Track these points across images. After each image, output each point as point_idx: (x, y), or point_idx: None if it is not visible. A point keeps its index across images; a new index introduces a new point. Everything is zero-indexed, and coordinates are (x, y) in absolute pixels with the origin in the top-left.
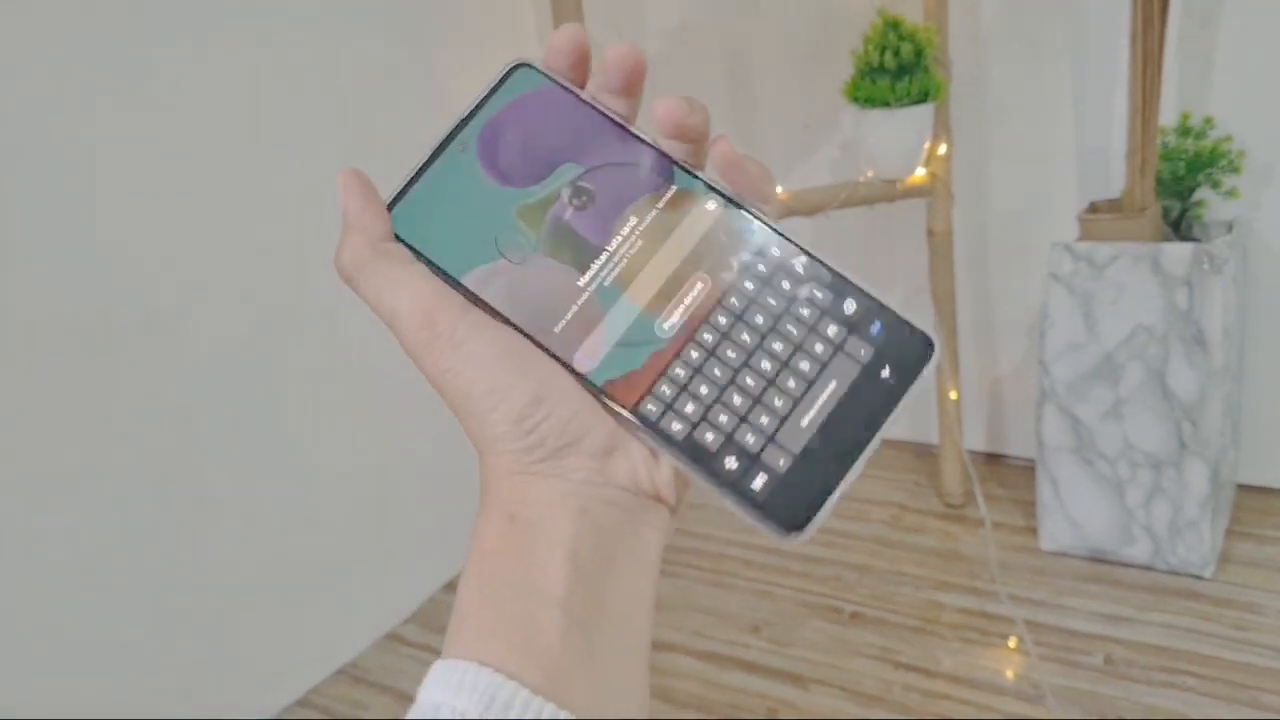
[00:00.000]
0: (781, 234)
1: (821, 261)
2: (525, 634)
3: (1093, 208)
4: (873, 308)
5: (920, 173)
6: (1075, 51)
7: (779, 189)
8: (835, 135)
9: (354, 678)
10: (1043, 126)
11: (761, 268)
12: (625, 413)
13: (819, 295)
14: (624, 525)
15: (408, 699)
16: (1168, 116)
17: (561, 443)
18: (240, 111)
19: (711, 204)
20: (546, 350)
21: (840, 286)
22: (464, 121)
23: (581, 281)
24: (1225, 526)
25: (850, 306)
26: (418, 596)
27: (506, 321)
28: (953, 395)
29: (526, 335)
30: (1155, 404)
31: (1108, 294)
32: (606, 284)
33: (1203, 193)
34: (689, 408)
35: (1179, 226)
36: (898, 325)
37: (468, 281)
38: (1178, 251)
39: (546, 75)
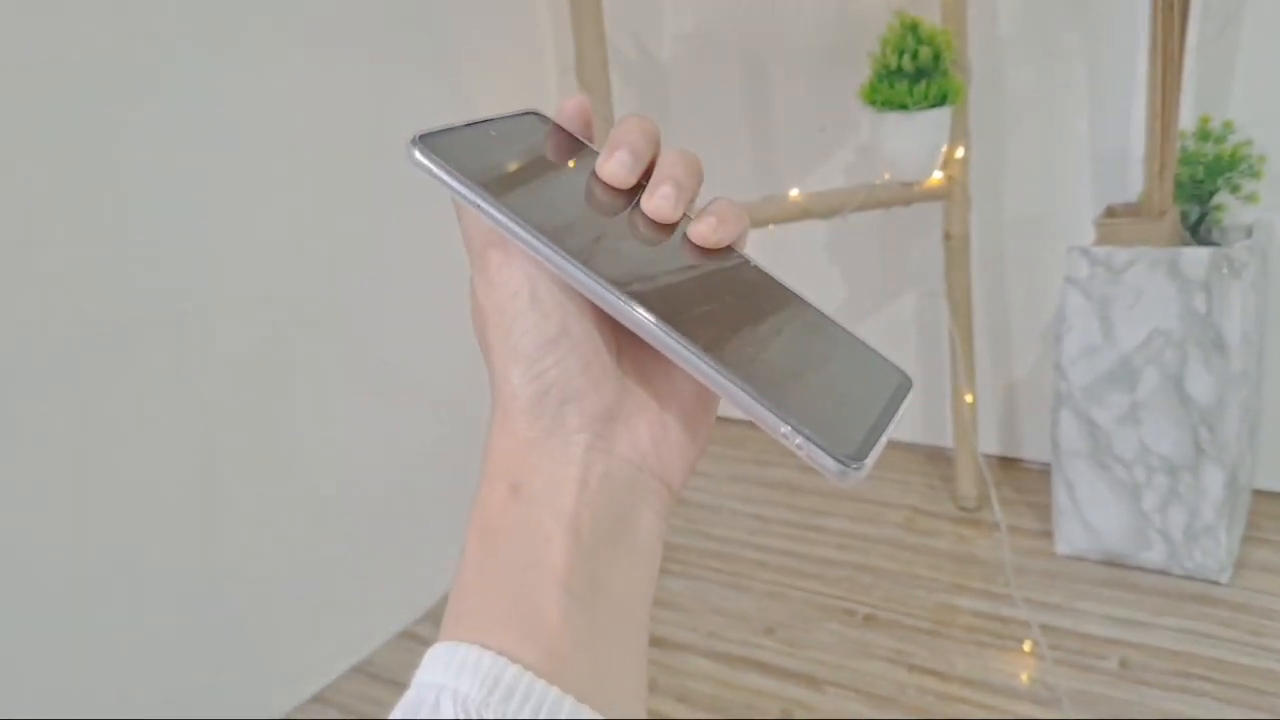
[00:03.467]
0: (766, 272)
1: (804, 301)
2: (527, 613)
3: (1110, 211)
4: (851, 344)
5: (937, 176)
6: (1093, 54)
7: (794, 191)
8: (852, 138)
9: (369, 675)
10: (1060, 129)
11: (750, 299)
12: (676, 339)
13: (800, 327)
14: (622, 501)
15: None
16: (1186, 120)
17: (566, 395)
18: (262, 115)
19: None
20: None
21: (819, 321)
22: (487, 120)
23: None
24: (1241, 532)
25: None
26: (433, 595)
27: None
28: (968, 398)
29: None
30: (1172, 409)
31: (1125, 298)
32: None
33: (1222, 197)
34: (738, 337)
35: (1197, 231)
36: (875, 363)
37: (511, 212)
38: (1196, 256)
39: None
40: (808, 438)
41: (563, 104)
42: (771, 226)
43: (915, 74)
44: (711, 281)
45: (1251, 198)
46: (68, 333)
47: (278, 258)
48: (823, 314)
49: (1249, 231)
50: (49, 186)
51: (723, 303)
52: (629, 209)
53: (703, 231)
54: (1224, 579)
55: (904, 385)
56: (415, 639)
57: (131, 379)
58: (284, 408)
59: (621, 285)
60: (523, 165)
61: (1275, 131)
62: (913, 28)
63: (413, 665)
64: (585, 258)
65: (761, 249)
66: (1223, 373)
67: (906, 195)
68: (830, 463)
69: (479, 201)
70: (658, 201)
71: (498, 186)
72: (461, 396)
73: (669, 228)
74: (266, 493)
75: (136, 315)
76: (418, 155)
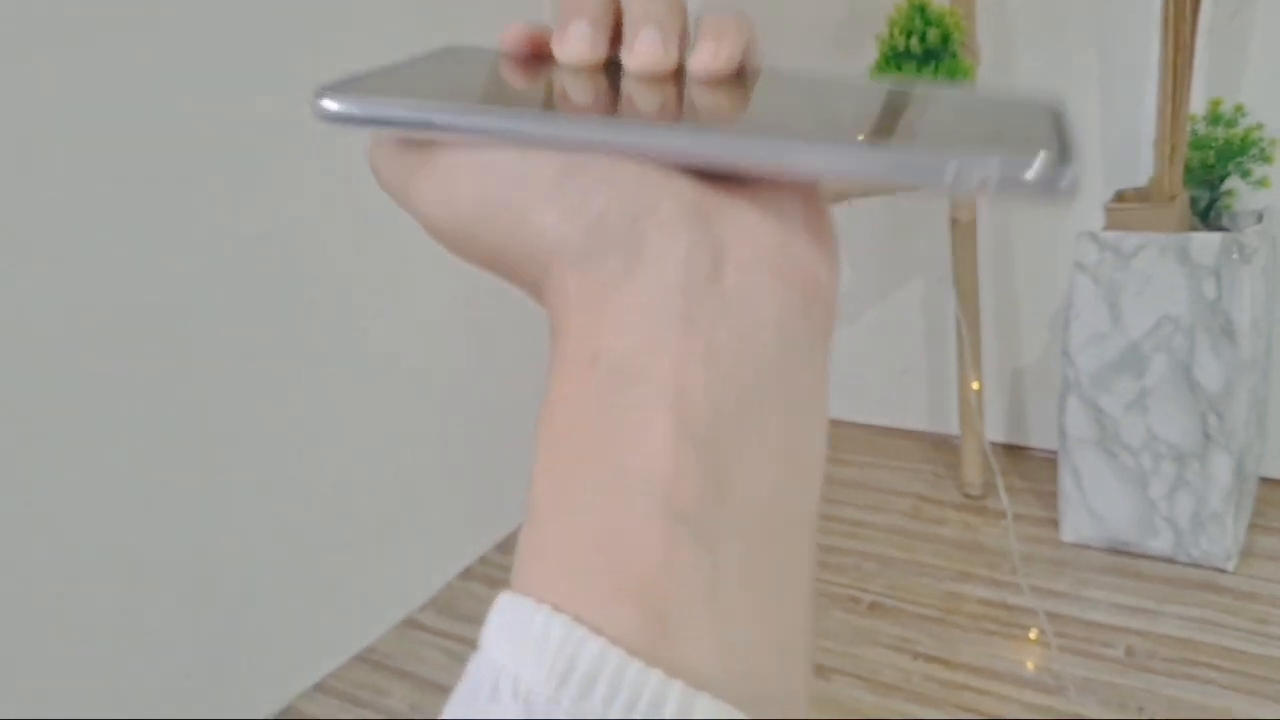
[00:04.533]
0: (811, 69)
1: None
2: (618, 549)
3: (1120, 196)
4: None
5: None
6: (1104, 37)
7: None
8: None
9: (372, 663)
10: (1070, 113)
11: (819, 90)
12: (760, 138)
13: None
14: (757, 345)
15: (427, 684)
16: (1197, 104)
17: (631, 211)
18: (248, 93)
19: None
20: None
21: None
22: (400, 63)
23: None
24: (1248, 520)
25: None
26: (436, 582)
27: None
28: (975, 385)
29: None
30: (1180, 396)
31: (1134, 284)
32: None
33: (1232, 182)
34: (831, 115)
35: (1207, 216)
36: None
37: (454, 109)
38: (1206, 241)
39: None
40: (993, 159)
41: (501, 37)
42: None
43: (923, 56)
44: (756, 94)
45: (1262, 182)
46: (59, 321)
47: (274, 243)
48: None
49: (1259, 217)
50: (37, 172)
51: (786, 100)
52: (612, 93)
53: (704, 59)
54: (1230, 567)
55: (1057, 105)
56: (418, 627)
57: (125, 367)
58: (282, 395)
59: (652, 121)
60: (467, 81)
61: None
62: (921, 9)
63: (416, 654)
64: (599, 117)
65: None
66: (1232, 360)
67: None
68: (1039, 169)
69: (427, 115)
70: (642, 48)
71: (445, 96)
72: (464, 382)
73: (670, 85)
74: (266, 481)
75: (129, 302)
76: (327, 104)
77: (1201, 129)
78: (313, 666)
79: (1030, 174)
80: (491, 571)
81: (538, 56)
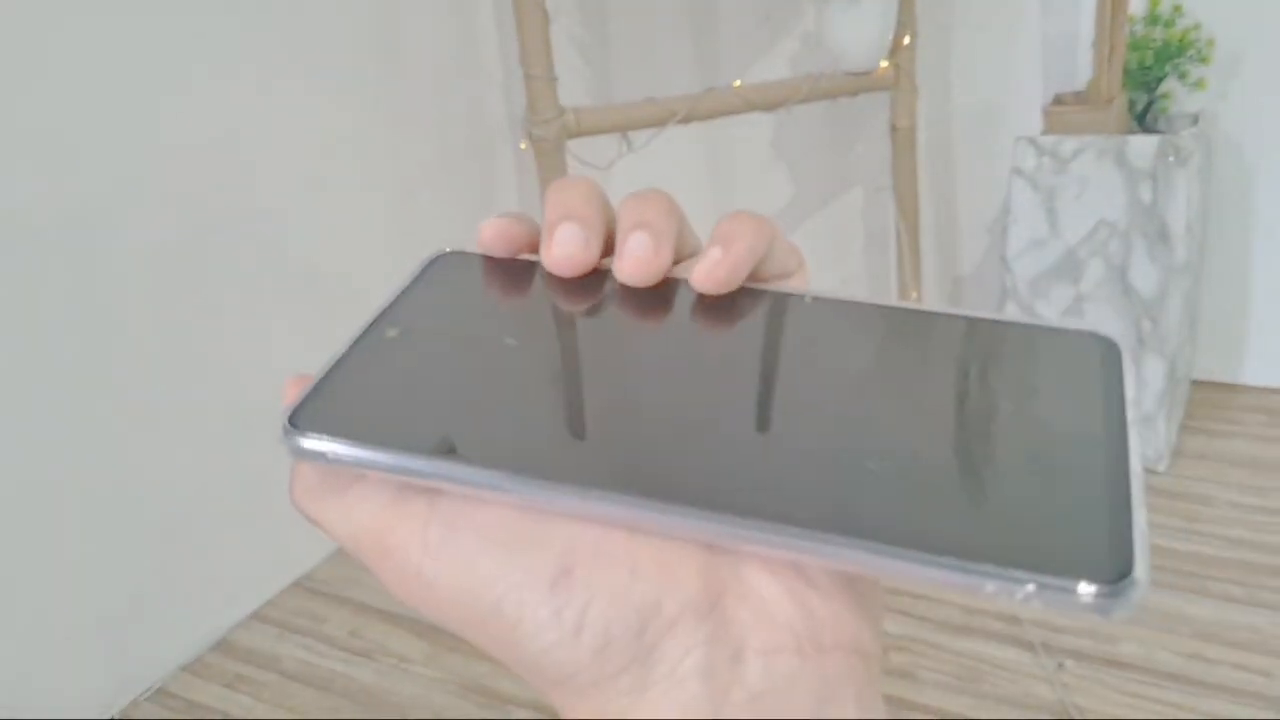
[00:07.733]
0: (847, 299)
1: (925, 310)
2: None
3: (1058, 100)
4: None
5: (884, 65)
6: None
7: (737, 83)
8: (797, 27)
9: (310, 590)
10: (1010, 15)
11: (835, 365)
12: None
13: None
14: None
15: (367, 610)
16: (1136, 4)
17: (634, 623)
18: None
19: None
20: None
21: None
22: (387, 310)
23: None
24: (1179, 422)
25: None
26: None
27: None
28: (914, 295)
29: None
30: (1116, 300)
31: (1071, 189)
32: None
33: (1169, 84)
34: (880, 480)
35: (1144, 120)
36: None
37: (429, 462)
38: (1143, 144)
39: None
40: (1036, 581)
41: (480, 232)
42: (714, 120)
43: None
44: (766, 371)
45: (1199, 84)
46: None
47: (197, 150)
48: (975, 318)
49: (1195, 120)
50: None
51: (798, 402)
52: (600, 324)
53: (701, 270)
54: (1162, 467)
55: (1112, 353)
56: None
57: (27, 279)
58: (206, 312)
59: (661, 480)
60: (449, 378)
61: (1224, 15)
62: None
63: (355, 579)
64: (589, 468)
65: (703, 145)
66: (1166, 263)
67: (853, 85)
68: (1084, 597)
69: (443, 470)
70: (631, 251)
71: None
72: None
73: (665, 313)
74: (195, 405)
75: (28, 208)
76: (308, 443)
77: (1140, 30)
78: (249, 594)
79: (1086, 606)
80: None
81: (526, 278)
